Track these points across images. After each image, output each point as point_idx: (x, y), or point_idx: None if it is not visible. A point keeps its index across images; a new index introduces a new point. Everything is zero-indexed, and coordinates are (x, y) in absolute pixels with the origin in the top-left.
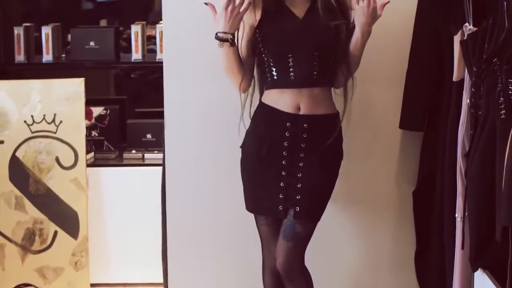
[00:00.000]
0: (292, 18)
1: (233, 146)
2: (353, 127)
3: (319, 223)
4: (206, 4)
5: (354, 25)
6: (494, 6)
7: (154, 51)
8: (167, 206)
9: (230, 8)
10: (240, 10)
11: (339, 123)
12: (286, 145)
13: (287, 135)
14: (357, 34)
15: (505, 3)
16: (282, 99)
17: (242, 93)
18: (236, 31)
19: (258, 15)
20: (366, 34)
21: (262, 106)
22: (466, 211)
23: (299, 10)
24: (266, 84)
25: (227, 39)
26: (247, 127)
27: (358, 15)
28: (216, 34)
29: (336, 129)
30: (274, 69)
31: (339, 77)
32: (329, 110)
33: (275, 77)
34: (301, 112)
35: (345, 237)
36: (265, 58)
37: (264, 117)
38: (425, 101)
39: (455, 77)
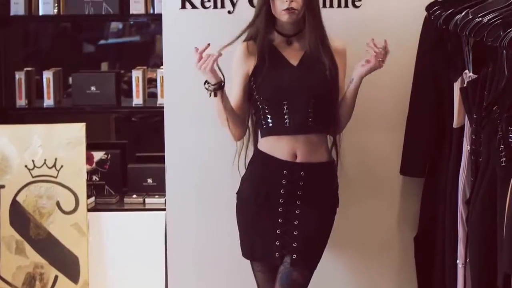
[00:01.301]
0: (287, 66)
1: (233, 191)
2: (354, 173)
3: (317, 269)
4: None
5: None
6: (493, 53)
7: (155, 95)
8: (168, 250)
9: (200, 63)
10: (210, 64)
11: (335, 171)
12: (282, 192)
13: (283, 182)
14: (354, 84)
15: (504, 51)
16: (278, 146)
17: (237, 141)
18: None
19: (253, 63)
20: (360, 81)
21: (258, 153)
22: (468, 258)
23: (294, 58)
24: (262, 131)
25: (207, 89)
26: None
27: (361, 66)
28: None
29: (333, 178)
30: (269, 116)
31: (335, 124)
32: (325, 158)
33: (270, 124)
34: (298, 160)
35: (344, 284)
36: (260, 106)
37: (261, 164)
38: (426, 147)
39: (455, 124)
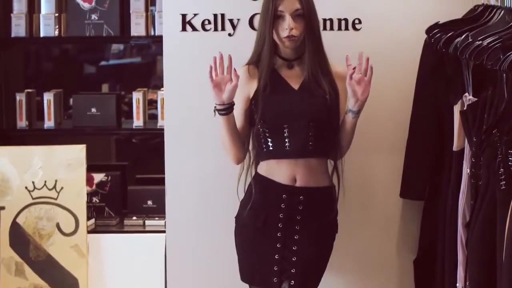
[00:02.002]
0: (288, 89)
1: (233, 214)
2: (353, 195)
3: None
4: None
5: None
6: (493, 77)
7: (156, 116)
8: (167, 272)
9: (212, 85)
10: (228, 87)
11: (335, 196)
12: (281, 217)
13: (282, 207)
14: (353, 118)
15: (504, 75)
16: (278, 170)
17: (237, 164)
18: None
19: (254, 86)
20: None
21: (257, 176)
22: (467, 281)
23: (295, 82)
24: (262, 154)
25: (215, 110)
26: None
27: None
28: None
29: (333, 203)
30: (269, 139)
31: (335, 148)
32: (325, 183)
33: (271, 148)
34: (297, 184)
35: None
36: (261, 129)
37: (260, 188)
38: (425, 170)
39: (455, 147)
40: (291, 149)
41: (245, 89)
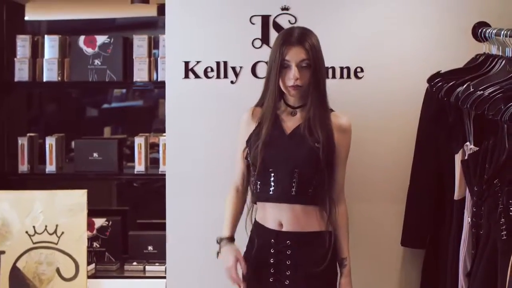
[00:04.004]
0: (280, 134)
1: None
2: (355, 243)
3: None
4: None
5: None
6: (494, 126)
7: (158, 160)
8: None
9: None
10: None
11: (330, 241)
12: (272, 262)
13: (272, 251)
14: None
15: (505, 125)
16: (266, 215)
17: None
18: None
19: (254, 126)
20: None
21: (254, 222)
22: None
23: (288, 126)
24: (253, 196)
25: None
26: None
27: None
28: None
29: (325, 248)
30: (258, 182)
31: (325, 200)
32: (315, 228)
33: (258, 191)
34: (284, 229)
35: None
36: (252, 172)
37: (253, 234)
38: (426, 219)
39: (456, 196)
40: (274, 194)
41: (247, 130)
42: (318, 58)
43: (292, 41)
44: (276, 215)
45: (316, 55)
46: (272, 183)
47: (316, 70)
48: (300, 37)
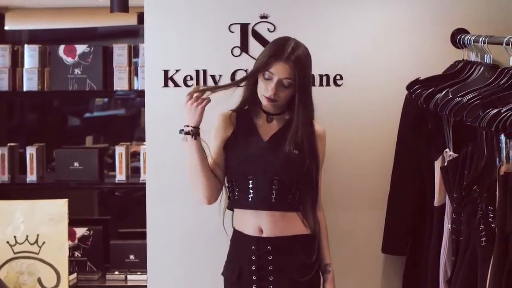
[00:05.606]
0: (257, 141)
1: (216, 268)
2: (335, 251)
3: None
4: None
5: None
6: (473, 133)
7: (139, 169)
8: None
9: (190, 101)
10: (201, 104)
11: (312, 244)
12: (254, 268)
13: (253, 258)
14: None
15: (484, 132)
16: (245, 222)
17: (208, 204)
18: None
19: (231, 131)
20: None
21: (233, 230)
22: None
23: (266, 133)
24: (230, 203)
25: (189, 132)
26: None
27: None
28: (181, 129)
29: (308, 251)
30: (236, 188)
31: (305, 207)
32: (295, 231)
33: (236, 197)
34: (264, 234)
35: None
36: (230, 177)
37: (233, 241)
38: (407, 226)
39: (436, 202)
40: (253, 201)
41: (225, 131)
42: (304, 75)
43: (282, 57)
44: (255, 221)
45: (302, 75)
46: (251, 190)
47: (301, 90)
48: (291, 54)
